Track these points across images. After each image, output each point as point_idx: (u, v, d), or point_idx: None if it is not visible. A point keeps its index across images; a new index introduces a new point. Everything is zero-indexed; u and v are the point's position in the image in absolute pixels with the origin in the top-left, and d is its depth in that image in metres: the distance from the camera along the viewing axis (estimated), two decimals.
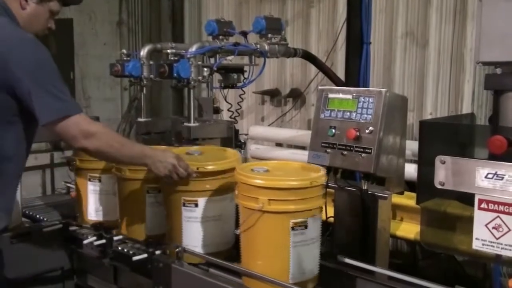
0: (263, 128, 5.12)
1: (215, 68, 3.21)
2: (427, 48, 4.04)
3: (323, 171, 2.23)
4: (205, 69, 3.10)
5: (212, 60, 3.29)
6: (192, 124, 3.09)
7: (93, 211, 2.94)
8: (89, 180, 2.93)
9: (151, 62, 3.31)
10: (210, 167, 2.42)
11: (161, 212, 2.63)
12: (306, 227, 2.12)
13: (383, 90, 2.42)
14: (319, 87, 2.76)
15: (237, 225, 2.42)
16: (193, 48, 3.09)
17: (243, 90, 3.72)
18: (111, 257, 2.64)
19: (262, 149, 4.85)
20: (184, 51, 3.09)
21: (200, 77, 3.06)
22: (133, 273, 2.59)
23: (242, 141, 3.48)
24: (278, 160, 2.65)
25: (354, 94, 2.49)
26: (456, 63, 3.92)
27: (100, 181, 2.92)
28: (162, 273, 2.43)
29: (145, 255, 2.49)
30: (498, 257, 1.59)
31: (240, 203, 2.21)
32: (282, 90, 5.09)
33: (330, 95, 2.58)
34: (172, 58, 3.08)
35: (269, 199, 2.07)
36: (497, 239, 1.49)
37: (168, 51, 3.15)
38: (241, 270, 2.24)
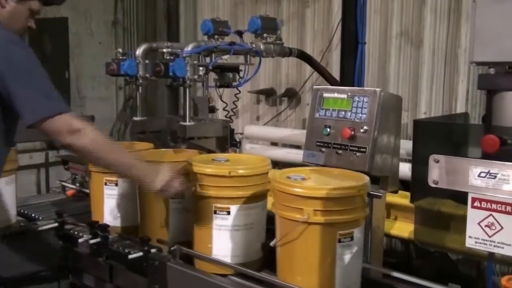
0: (258, 127, 5.12)
1: (210, 67, 3.22)
2: (422, 48, 4.06)
3: (366, 178, 2.13)
4: (201, 68, 3.11)
5: (207, 60, 3.30)
6: (187, 123, 3.09)
7: (109, 216, 2.87)
8: (105, 184, 2.85)
9: (146, 61, 3.31)
10: (241, 171, 2.34)
11: (185, 219, 2.57)
12: (352, 238, 2.03)
13: (378, 89, 2.44)
14: (314, 87, 2.77)
15: (268, 235, 2.37)
16: (189, 47, 3.09)
17: (238, 90, 3.73)
18: (106, 256, 2.64)
19: (257, 148, 4.86)
20: (179, 50, 3.10)
21: (195, 76, 3.06)
22: (129, 272, 2.60)
23: (237, 140, 3.48)
24: (312, 167, 2.49)
25: (349, 94, 2.51)
26: (450, 63, 3.94)
27: (117, 185, 2.84)
28: (158, 271, 2.43)
29: (140, 253, 2.49)
30: (491, 255, 1.61)
31: (279, 214, 2.09)
32: (277, 90, 5.10)
33: (325, 95, 2.60)
34: (167, 57, 3.08)
35: (315, 210, 1.95)
36: (489, 237, 1.51)
37: (164, 50, 3.15)
38: (285, 285, 2.09)
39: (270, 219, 2.48)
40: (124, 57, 3.36)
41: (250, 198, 2.34)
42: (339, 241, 1.99)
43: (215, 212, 2.34)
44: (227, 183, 2.32)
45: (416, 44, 4.10)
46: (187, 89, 3.09)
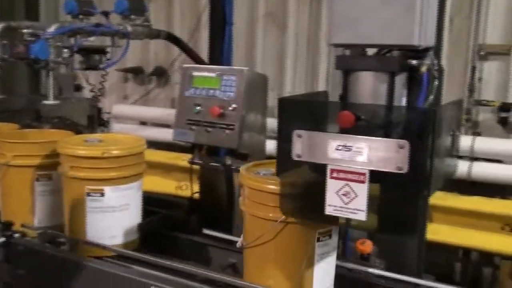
0: (127, 106, 5.04)
1: (75, 49, 3.11)
2: (287, 30, 4.23)
3: None
4: (65, 50, 2.99)
5: (72, 41, 3.17)
6: (51, 102, 2.97)
7: None
8: None
9: (4, 42, 3.11)
10: (115, 152, 2.28)
11: (53, 202, 2.48)
12: (330, 236, 1.92)
13: (245, 68, 2.52)
14: (183, 66, 2.79)
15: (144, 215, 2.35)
16: (52, 28, 2.95)
17: (105, 71, 3.62)
18: None
19: (127, 128, 4.78)
20: (41, 31, 2.95)
21: (59, 59, 2.94)
22: None
23: (105, 119, 3.41)
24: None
25: (218, 72, 2.57)
26: (312, 45, 4.15)
27: None
28: (23, 256, 2.34)
29: (2, 239, 2.38)
30: (347, 221, 1.75)
31: (250, 213, 1.93)
32: (146, 68, 5.03)
33: (195, 73, 2.63)
34: (28, 38, 2.92)
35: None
36: (346, 204, 1.64)
37: (24, 30, 2.98)
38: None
39: (146, 199, 2.49)
40: None
41: (124, 178, 2.32)
42: (318, 240, 1.88)
43: (88, 194, 2.29)
44: (100, 165, 2.28)
45: (281, 26, 4.26)
46: (51, 72, 2.96)
